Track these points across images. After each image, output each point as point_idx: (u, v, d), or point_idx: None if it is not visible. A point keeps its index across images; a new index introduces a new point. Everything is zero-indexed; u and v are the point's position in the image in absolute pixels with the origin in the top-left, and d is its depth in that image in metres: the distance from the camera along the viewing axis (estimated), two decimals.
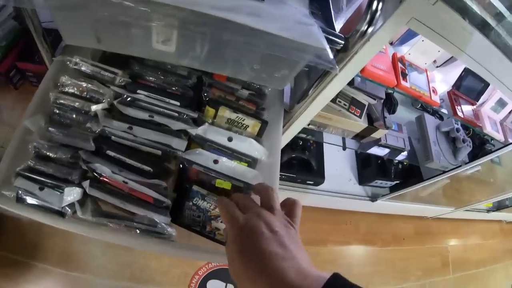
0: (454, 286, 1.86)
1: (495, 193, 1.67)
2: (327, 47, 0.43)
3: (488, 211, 2.01)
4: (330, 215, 1.65)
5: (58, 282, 1.12)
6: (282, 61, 0.50)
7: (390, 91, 1.13)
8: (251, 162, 0.59)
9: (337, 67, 0.42)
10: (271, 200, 0.42)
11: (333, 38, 0.50)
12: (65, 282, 1.13)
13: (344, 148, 1.23)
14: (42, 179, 0.50)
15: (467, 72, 1.15)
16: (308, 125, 1.00)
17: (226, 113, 0.59)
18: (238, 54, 0.48)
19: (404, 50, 1.01)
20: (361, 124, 1.00)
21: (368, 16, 0.47)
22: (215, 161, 0.55)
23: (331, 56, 0.42)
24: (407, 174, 1.55)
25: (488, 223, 2.19)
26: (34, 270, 1.11)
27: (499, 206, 2.00)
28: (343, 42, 0.51)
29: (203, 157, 0.55)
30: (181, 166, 0.55)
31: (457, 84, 1.16)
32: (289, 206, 0.43)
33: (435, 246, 1.93)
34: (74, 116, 0.55)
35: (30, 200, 0.49)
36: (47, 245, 1.15)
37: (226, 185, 0.54)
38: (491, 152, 1.26)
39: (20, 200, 0.49)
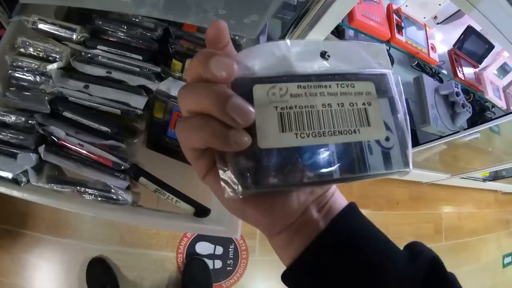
0: (445, 254, 1.82)
1: (492, 162, 1.62)
2: None
3: (484, 180, 1.96)
4: None
5: (50, 249, 1.13)
6: (249, 5, 0.44)
7: (386, 47, 1.04)
8: None
9: None
10: None
11: None
12: (57, 248, 1.13)
13: None
14: None
15: (470, 31, 1.06)
16: None
17: None
18: None
19: (400, 2, 0.91)
20: None
21: None
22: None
23: None
24: None
25: (483, 193, 2.14)
26: (25, 239, 1.11)
27: (496, 176, 1.95)
28: None
29: None
30: None
31: (459, 44, 1.07)
32: None
33: (429, 212, 1.90)
34: (31, 78, 0.51)
35: None
36: (36, 213, 1.14)
37: None
38: (491, 119, 1.20)
39: None
